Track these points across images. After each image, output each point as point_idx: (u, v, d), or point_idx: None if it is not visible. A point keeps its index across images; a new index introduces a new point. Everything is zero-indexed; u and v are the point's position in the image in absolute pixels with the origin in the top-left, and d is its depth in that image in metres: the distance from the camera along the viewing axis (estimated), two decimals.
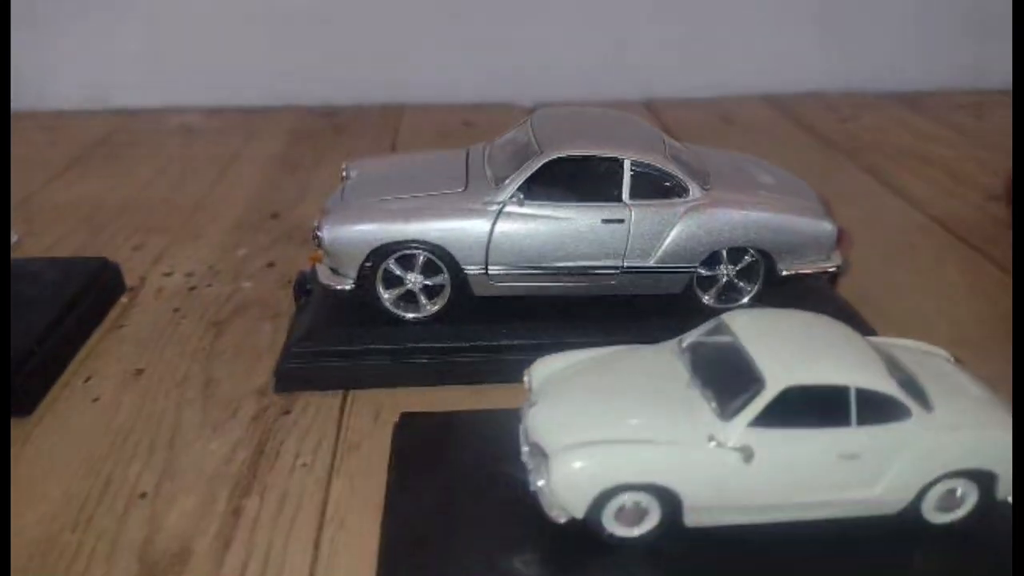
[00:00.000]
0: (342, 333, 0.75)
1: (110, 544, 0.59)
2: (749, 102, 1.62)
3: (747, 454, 0.47)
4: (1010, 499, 0.51)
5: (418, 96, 1.63)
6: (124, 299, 0.91)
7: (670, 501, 0.49)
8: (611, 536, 0.50)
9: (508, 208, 0.72)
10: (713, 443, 0.48)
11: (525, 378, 0.58)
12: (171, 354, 0.81)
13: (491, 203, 0.72)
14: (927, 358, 0.57)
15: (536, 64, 1.63)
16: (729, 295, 0.77)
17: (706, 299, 0.76)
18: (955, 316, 0.87)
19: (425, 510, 0.57)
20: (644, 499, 0.49)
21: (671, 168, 0.73)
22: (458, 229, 0.72)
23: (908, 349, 0.58)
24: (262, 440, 0.69)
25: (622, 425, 0.49)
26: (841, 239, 0.77)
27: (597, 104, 1.56)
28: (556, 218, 0.72)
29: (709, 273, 0.76)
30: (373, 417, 0.72)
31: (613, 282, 0.74)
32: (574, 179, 0.72)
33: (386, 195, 0.75)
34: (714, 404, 0.49)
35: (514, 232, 0.72)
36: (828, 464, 0.48)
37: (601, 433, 0.49)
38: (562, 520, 0.49)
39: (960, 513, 0.51)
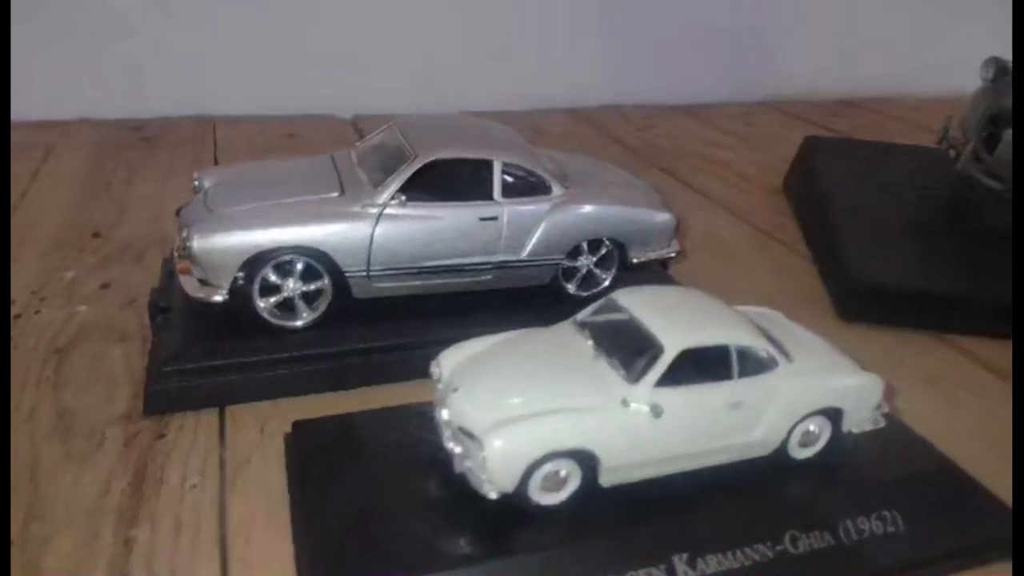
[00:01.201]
0: (215, 347, 0.72)
1: None
2: (554, 115, 1.73)
3: (657, 411, 0.53)
4: (853, 430, 0.61)
5: (228, 109, 1.57)
6: None
7: (589, 464, 0.53)
8: (537, 505, 0.53)
9: (388, 210, 0.73)
10: (626, 404, 0.53)
11: (433, 369, 0.60)
12: (9, 388, 0.73)
13: (371, 205, 0.73)
14: (770, 318, 0.67)
15: (351, 77, 1.63)
16: (589, 283, 0.83)
17: (570, 288, 0.83)
18: (761, 288, 0.99)
19: (342, 512, 0.57)
20: (565, 466, 0.53)
21: (536, 168, 0.78)
22: (339, 233, 0.72)
23: (755, 312, 0.67)
24: (139, 467, 0.65)
25: (542, 399, 0.53)
26: (678, 228, 0.86)
27: (415, 116, 1.62)
28: (435, 218, 0.74)
29: (572, 264, 0.82)
30: (258, 430, 0.70)
31: (489, 276, 0.78)
32: (448, 180, 0.75)
33: (257, 201, 0.73)
34: (621, 371, 0.55)
35: (395, 233, 0.73)
36: (718, 414, 0.55)
37: (524, 409, 0.52)
38: (494, 496, 0.52)
39: (817, 447, 0.60)
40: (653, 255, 0.84)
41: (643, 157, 1.50)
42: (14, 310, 0.86)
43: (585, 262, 0.82)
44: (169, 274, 0.87)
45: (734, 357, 0.56)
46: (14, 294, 0.89)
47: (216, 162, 1.33)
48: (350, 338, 0.75)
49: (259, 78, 1.57)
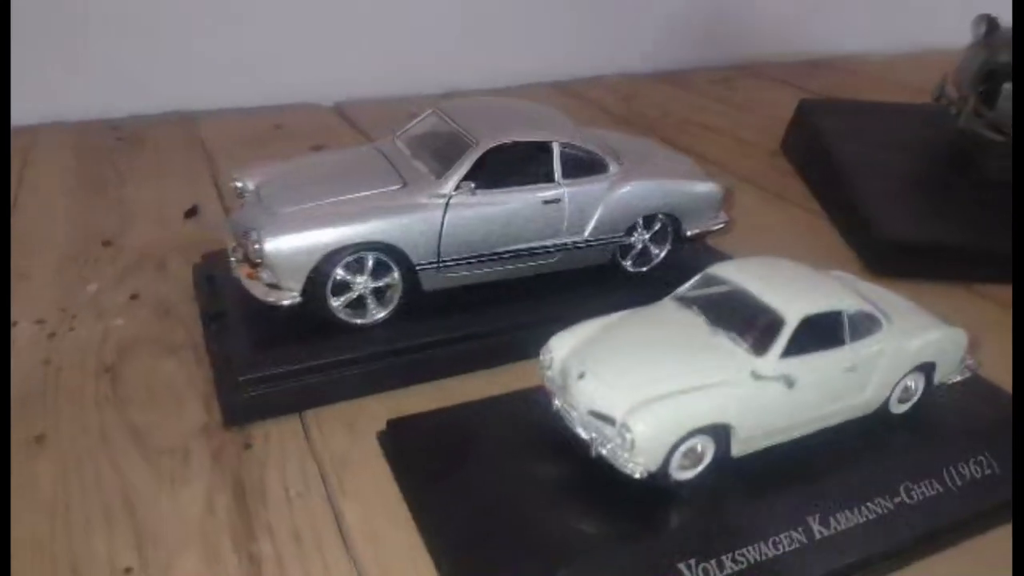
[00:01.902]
0: (289, 352, 0.70)
1: None
2: (539, 88, 1.72)
3: (788, 381, 0.54)
4: (944, 382, 0.64)
5: (204, 104, 1.50)
6: None
7: (723, 437, 0.54)
8: (675, 482, 0.54)
9: (455, 199, 0.72)
10: (758, 377, 0.54)
11: (545, 356, 0.60)
12: (70, 410, 0.70)
13: (437, 196, 0.72)
14: (847, 281, 0.68)
15: (330, 64, 1.58)
16: (643, 259, 0.84)
17: (628, 266, 0.83)
18: (786, 249, 1.00)
19: (473, 503, 0.56)
20: (701, 441, 0.54)
21: (592, 147, 0.78)
22: (410, 225, 0.70)
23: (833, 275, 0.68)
24: (236, 480, 0.63)
25: (675, 378, 0.54)
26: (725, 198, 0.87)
27: (396, 99, 1.59)
28: (501, 204, 0.73)
29: (627, 241, 0.82)
30: (347, 431, 0.69)
31: (554, 259, 0.78)
32: (509, 165, 0.74)
33: (321, 199, 0.71)
34: (744, 344, 0.55)
35: (464, 222, 0.72)
36: (837, 379, 0.57)
37: (661, 389, 0.53)
38: (638, 475, 0.52)
39: (912, 401, 0.63)
40: (705, 227, 0.85)
41: (637, 127, 1.51)
42: (48, 329, 0.81)
43: (640, 238, 0.83)
44: (208, 279, 0.84)
45: (846, 322, 0.57)
46: (43, 313, 0.84)
47: (211, 159, 1.28)
48: (421, 332, 0.74)
49: (234, 70, 1.51)
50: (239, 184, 0.78)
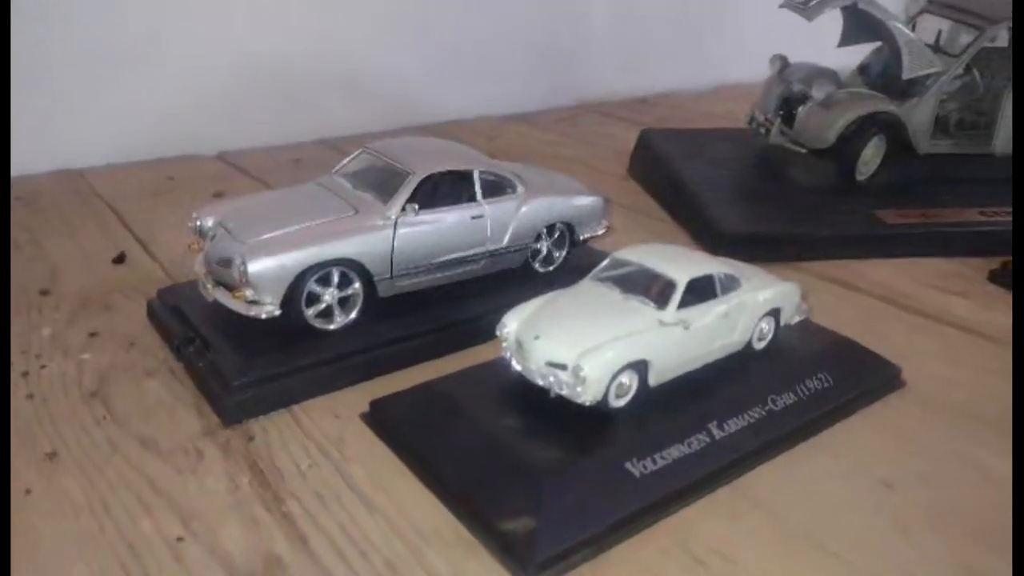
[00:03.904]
0: (273, 358, 0.82)
1: None
2: (410, 131, 1.88)
3: (686, 325, 0.74)
4: (788, 323, 0.86)
5: (90, 160, 1.55)
6: None
7: (643, 371, 0.73)
8: (613, 408, 0.72)
9: (401, 220, 0.87)
10: (664, 324, 0.73)
11: (501, 330, 0.76)
12: (72, 430, 0.78)
13: (386, 218, 0.86)
14: (714, 257, 0.90)
15: (215, 115, 1.67)
16: (548, 260, 1.03)
17: (537, 267, 1.01)
18: None
19: (458, 451, 0.71)
20: (629, 376, 0.72)
21: (502, 172, 0.96)
22: (368, 243, 0.85)
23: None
24: (251, 464, 0.74)
25: (606, 331, 0.71)
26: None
27: (276, 147, 1.70)
28: (438, 221, 0.89)
29: (535, 247, 1.00)
30: (333, 417, 0.81)
31: (481, 265, 0.94)
32: (439, 190, 0.91)
33: (288, 227, 0.83)
34: (650, 303, 0.75)
35: (410, 238, 0.87)
36: (716, 323, 0.77)
37: (598, 339, 0.70)
38: (588, 403, 0.70)
39: (768, 339, 0.85)
40: (592, 232, 1.05)
41: (507, 160, 1.71)
42: (19, 369, 0.87)
43: (544, 244, 1.01)
44: (172, 310, 0.93)
45: (718, 282, 0.78)
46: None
47: (115, 211, 1.34)
48: (382, 332, 0.88)
49: (115, 127, 1.57)
50: (198, 222, 0.89)
